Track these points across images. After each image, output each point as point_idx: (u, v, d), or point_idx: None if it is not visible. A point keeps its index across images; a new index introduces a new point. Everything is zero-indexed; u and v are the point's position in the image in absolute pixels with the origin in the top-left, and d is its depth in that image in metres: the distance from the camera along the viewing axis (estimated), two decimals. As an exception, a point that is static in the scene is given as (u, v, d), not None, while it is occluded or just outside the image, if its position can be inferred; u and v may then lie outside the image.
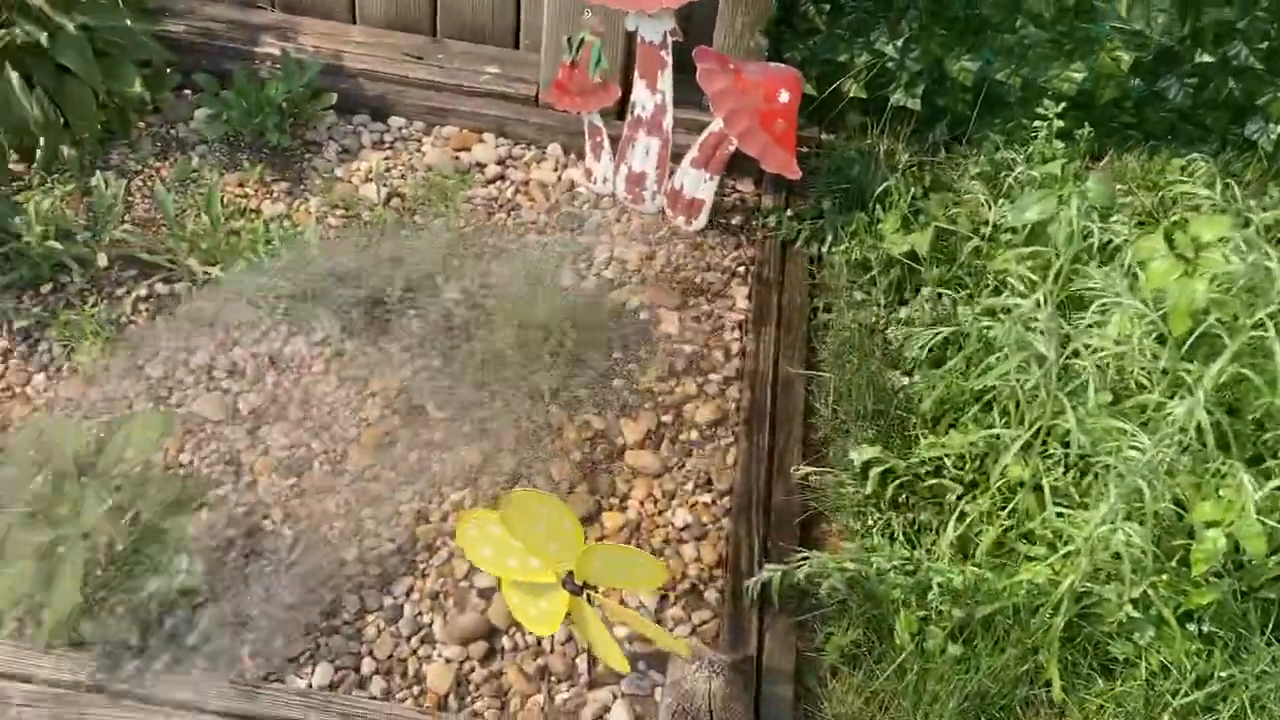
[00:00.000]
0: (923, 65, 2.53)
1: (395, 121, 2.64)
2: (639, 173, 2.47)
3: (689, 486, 2.07)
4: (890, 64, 2.54)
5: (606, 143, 2.48)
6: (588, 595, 1.64)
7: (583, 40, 2.36)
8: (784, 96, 2.29)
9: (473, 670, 1.80)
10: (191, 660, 1.73)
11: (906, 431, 2.09)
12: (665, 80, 2.34)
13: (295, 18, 2.75)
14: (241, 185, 2.44)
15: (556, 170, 2.60)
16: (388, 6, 2.74)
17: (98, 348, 2.09)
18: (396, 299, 2.22)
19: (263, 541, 1.89)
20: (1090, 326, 1.93)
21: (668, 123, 2.39)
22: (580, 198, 2.54)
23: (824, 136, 2.64)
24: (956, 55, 2.50)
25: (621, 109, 2.53)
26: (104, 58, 2.34)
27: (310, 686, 1.74)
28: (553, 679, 1.81)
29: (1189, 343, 1.83)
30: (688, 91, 2.39)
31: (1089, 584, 1.79)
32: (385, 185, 2.47)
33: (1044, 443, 1.92)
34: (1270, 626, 1.80)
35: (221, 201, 2.30)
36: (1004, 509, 1.94)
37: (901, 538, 1.95)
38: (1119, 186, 2.48)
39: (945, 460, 2.02)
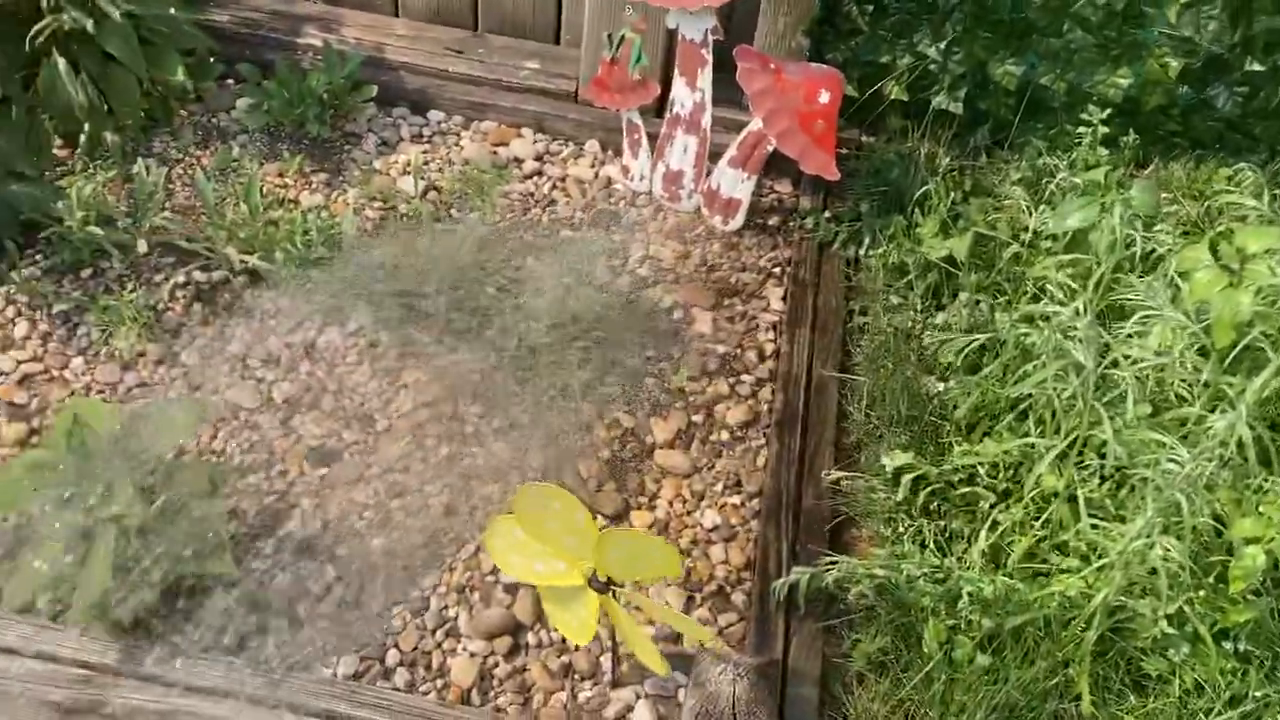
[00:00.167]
0: (966, 68, 2.50)
1: (434, 115, 2.64)
2: (676, 171, 2.46)
3: (718, 487, 2.06)
4: (933, 66, 2.51)
5: (644, 140, 2.48)
6: (613, 592, 1.63)
7: (623, 37, 2.35)
8: (824, 97, 2.28)
9: (497, 665, 1.80)
10: (219, 646, 1.73)
11: (940, 438, 2.07)
12: (705, 78, 2.33)
13: (338, 9, 2.76)
14: (281, 175, 2.45)
15: (594, 167, 2.59)
16: None
17: (135, 333, 2.11)
18: (431, 292, 2.23)
19: (292, 530, 1.90)
20: (1130, 337, 1.90)
21: (706, 121, 2.38)
22: (617, 195, 2.54)
23: (864, 138, 2.62)
24: (1000, 59, 2.47)
25: (660, 106, 2.52)
26: (149, 46, 2.36)
27: (335, 676, 1.75)
28: (576, 676, 1.80)
29: (1232, 356, 1.80)
30: (726, 90, 2.38)
31: (1123, 598, 1.76)
32: (423, 179, 2.47)
33: (1080, 453, 1.90)
34: (1308, 647, 1.77)
35: (260, 191, 2.31)
36: (1037, 519, 1.91)
37: (932, 545, 1.93)
38: (1164, 195, 2.44)
39: (979, 468, 1.99)
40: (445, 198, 2.45)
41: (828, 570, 1.83)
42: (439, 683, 1.77)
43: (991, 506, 1.96)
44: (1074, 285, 2.05)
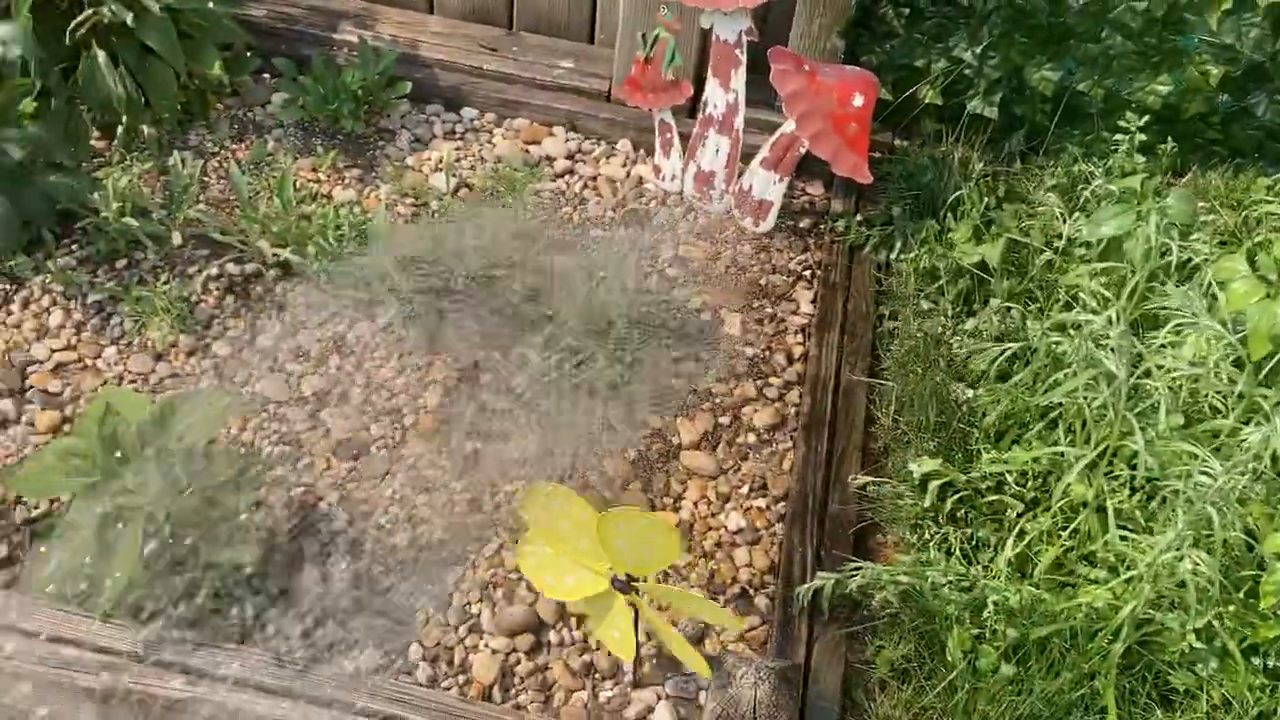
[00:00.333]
0: (1002, 73, 2.48)
1: (468, 112, 2.65)
2: (708, 171, 2.45)
3: (744, 490, 2.05)
4: (968, 71, 2.49)
5: (676, 140, 2.47)
6: (636, 589, 1.63)
7: (658, 37, 2.35)
8: (858, 100, 2.26)
9: (518, 663, 1.80)
10: (242, 636, 1.75)
11: (968, 445, 2.06)
12: (738, 79, 2.32)
13: (374, 6, 2.78)
14: (314, 170, 2.47)
15: (625, 166, 2.59)
16: (465, -3, 2.76)
17: (167, 324, 2.12)
18: (460, 289, 2.23)
19: (318, 522, 1.91)
20: (1164, 346, 1.88)
21: (739, 122, 2.37)
22: (648, 194, 2.53)
23: (897, 142, 2.60)
24: (1037, 64, 2.45)
25: (693, 107, 2.52)
26: (187, 39, 2.38)
27: (357, 669, 1.75)
28: (597, 676, 1.80)
29: (1268, 368, 1.78)
30: (759, 91, 2.37)
31: (1151, 611, 1.74)
32: (455, 176, 2.48)
33: (1110, 463, 1.88)
34: (1340, 665, 1.74)
35: (294, 185, 2.33)
36: (1065, 529, 1.89)
37: (958, 553, 1.92)
38: (1201, 204, 2.41)
39: (1007, 476, 1.98)
40: (477, 195, 2.46)
41: (852, 576, 1.82)
42: (461, 679, 1.77)
43: (1019, 515, 1.94)
44: (1107, 294, 2.03)
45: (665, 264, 2.39)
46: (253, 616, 1.77)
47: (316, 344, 2.16)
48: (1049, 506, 1.91)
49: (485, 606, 1.85)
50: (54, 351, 2.09)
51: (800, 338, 2.29)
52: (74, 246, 2.24)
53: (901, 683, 1.81)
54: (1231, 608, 1.73)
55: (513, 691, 1.77)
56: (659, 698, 1.78)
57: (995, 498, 1.96)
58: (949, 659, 1.79)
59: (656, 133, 2.49)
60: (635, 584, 1.62)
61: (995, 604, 1.78)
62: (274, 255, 2.23)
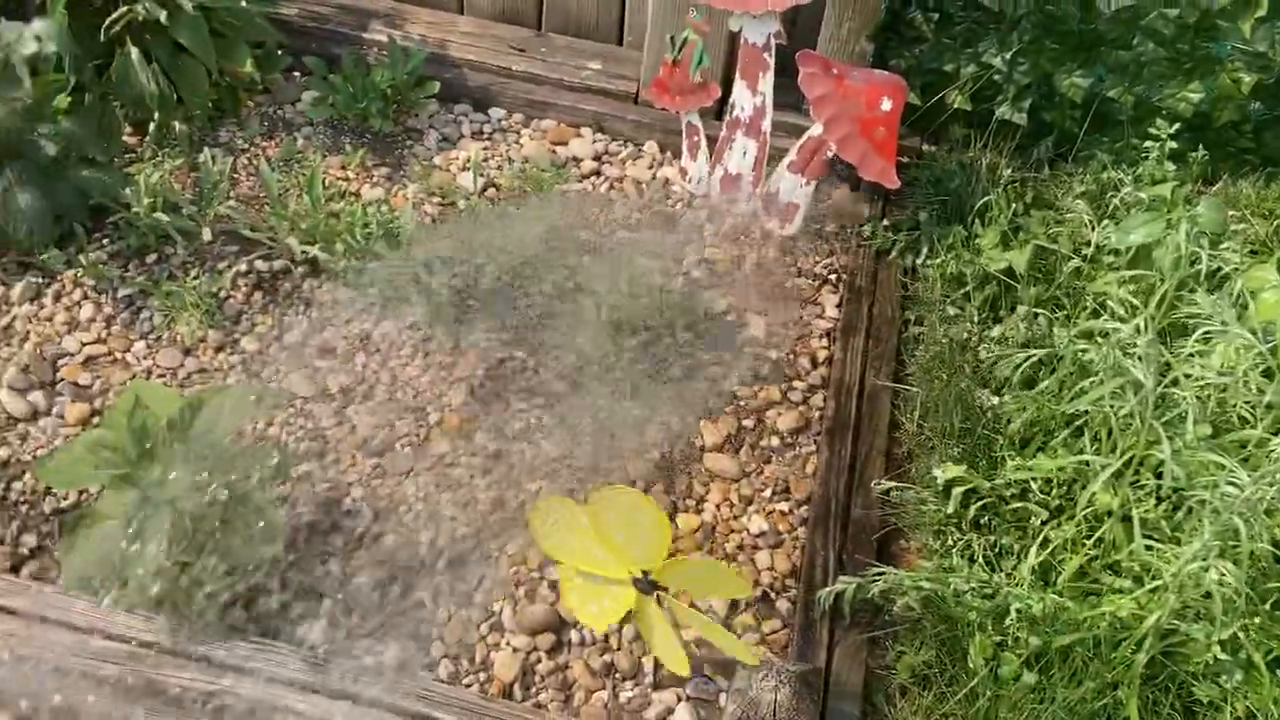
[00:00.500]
0: (1031, 79, 2.47)
1: (495, 113, 2.66)
2: (734, 174, 2.45)
3: (766, 493, 2.05)
4: (997, 76, 2.48)
5: (703, 143, 2.47)
6: (658, 596, 1.63)
7: (686, 39, 2.35)
8: (886, 104, 2.26)
9: (539, 661, 1.80)
10: (266, 630, 1.76)
11: (993, 452, 2.05)
12: (766, 82, 2.32)
13: (404, 5, 2.79)
14: (343, 168, 2.48)
15: (652, 168, 2.60)
16: (495, -2, 2.77)
17: (196, 319, 2.14)
18: (486, 288, 2.24)
19: (342, 518, 1.93)
20: (1192, 355, 1.87)
21: (766, 125, 2.37)
22: (674, 196, 2.54)
23: (925, 147, 2.60)
24: (1067, 70, 2.44)
25: (720, 109, 2.52)
26: (219, 37, 2.40)
27: (380, 665, 1.76)
28: (618, 676, 1.81)
29: (1298, 378, 1.76)
30: (786, 95, 2.37)
31: (1176, 621, 1.73)
32: (482, 175, 2.49)
33: (1136, 473, 1.87)
34: (1367, 680, 1.72)
35: (323, 183, 2.34)
36: (1089, 538, 1.88)
37: (981, 560, 1.91)
38: (1231, 213, 2.39)
39: (1031, 484, 1.97)
40: (504, 195, 2.47)
41: (874, 581, 1.82)
42: (482, 676, 1.78)
43: (1043, 523, 1.93)
44: (1135, 302, 2.02)
45: (690, 266, 2.39)
46: (277, 610, 1.78)
47: (343, 341, 2.17)
48: (1073, 515, 1.90)
49: (507, 604, 1.86)
50: (84, 345, 2.11)
51: (825, 341, 2.29)
52: (105, 241, 2.26)
53: (922, 689, 1.81)
54: (1257, 619, 1.71)
55: (533, 690, 1.78)
56: (679, 699, 1.78)
57: (1019, 505, 1.95)
58: (971, 666, 1.78)
59: (683, 135, 2.50)
60: (655, 582, 1.62)
61: (1018, 611, 1.77)
62: (302, 252, 2.24)
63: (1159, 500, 1.86)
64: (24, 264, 2.20)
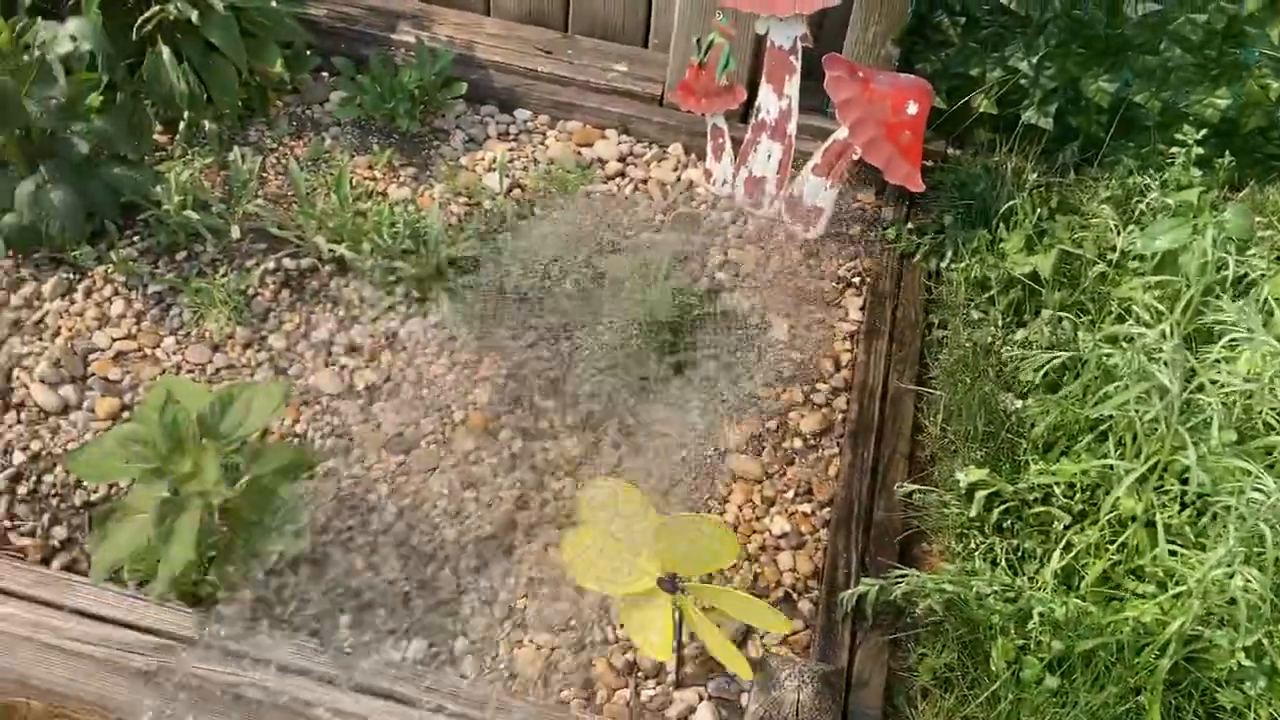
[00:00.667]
0: (1058, 83, 2.47)
1: (521, 114, 2.68)
2: (759, 177, 2.46)
3: (789, 495, 2.06)
4: (1023, 81, 2.48)
5: (728, 145, 2.48)
6: (682, 590, 1.64)
7: (712, 42, 2.36)
8: (912, 108, 2.26)
9: (562, 659, 1.81)
10: (292, 623, 1.78)
11: (1016, 456, 2.05)
12: (792, 85, 2.33)
13: (432, 7, 2.81)
14: (370, 168, 2.50)
15: (676, 170, 2.61)
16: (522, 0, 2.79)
17: (225, 316, 2.16)
18: (511, 288, 2.26)
19: (368, 514, 1.94)
20: (1218, 362, 1.86)
21: (792, 128, 2.38)
22: (698, 198, 2.55)
23: (950, 151, 2.60)
24: (1094, 75, 2.44)
25: (745, 112, 2.53)
26: (249, 37, 2.43)
27: (403, 659, 1.78)
28: (640, 675, 1.81)
29: (1324, 385, 1.76)
30: (811, 98, 2.38)
31: (1200, 627, 1.72)
32: (508, 176, 2.50)
33: (1160, 478, 1.86)
34: (1393, 688, 1.71)
35: (350, 183, 2.36)
36: (1113, 543, 1.88)
37: (1003, 564, 1.91)
38: (1258, 219, 2.39)
39: (1054, 488, 1.97)
40: (529, 196, 2.48)
41: (897, 583, 1.82)
42: (505, 672, 1.79)
43: (1066, 528, 1.93)
44: (1161, 307, 2.02)
45: (714, 268, 2.40)
46: (303, 605, 1.80)
47: (369, 339, 2.19)
48: (1097, 519, 1.90)
49: (531, 601, 1.87)
50: (115, 340, 2.14)
51: (848, 344, 2.30)
52: (135, 238, 2.29)
53: (944, 691, 1.81)
54: (1282, 626, 1.71)
55: (556, 687, 1.79)
56: (701, 698, 1.79)
57: (1042, 509, 1.95)
58: (993, 669, 1.78)
59: (709, 137, 2.50)
60: (681, 584, 1.63)
61: (1040, 615, 1.77)
62: (330, 251, 2.26)
63: (1183, 506, 1.85)
64: (56, 260, 2.23)
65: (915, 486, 2.03)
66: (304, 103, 2.62)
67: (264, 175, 2.44)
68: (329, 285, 2.27)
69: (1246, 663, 1.70)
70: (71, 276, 2.21)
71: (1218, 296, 1.97)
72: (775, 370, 2.23)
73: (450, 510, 1.97)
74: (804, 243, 2.47)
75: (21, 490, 1.93)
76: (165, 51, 2.35)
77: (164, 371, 2.10)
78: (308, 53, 2.64)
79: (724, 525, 1.73)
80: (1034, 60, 2.46)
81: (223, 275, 2.22)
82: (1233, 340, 1.86)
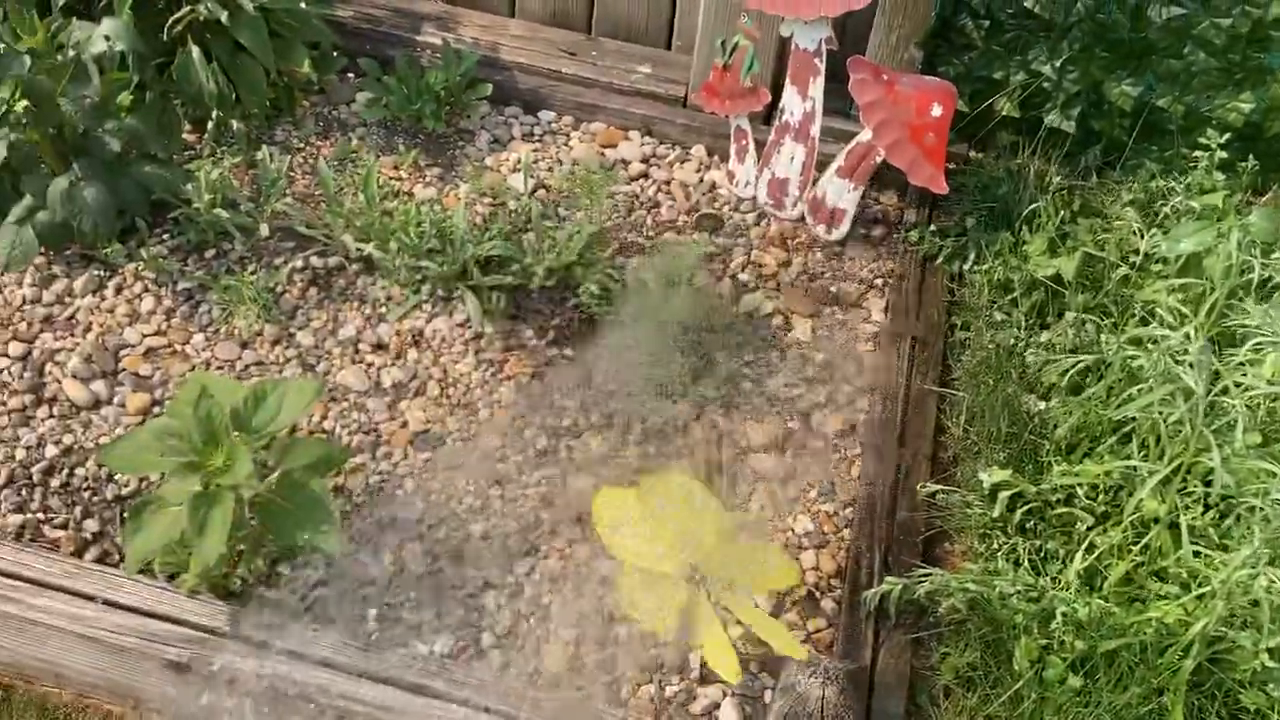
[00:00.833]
0: (1081, 87, 2.47)
1: (545, 115, 2.69)
2: (782, 178, 2.47)
3: (812, 494, 2.07)
4: (1047, 84, 2.49)
5: (751, 147, 2.50)
6: (707, 591, 1.66)
7: (737, 44, 2.37)
8: (936, 110, 2.27)
9: (588, 654, 1.83)
10: (322, 616, 1.80)
11: (1039, 457, 2.06)
12: (817, 88, 2.34)
13: (457, 9, 2.83)
14: (396, 168, 2.52)
15: (699, 171, 2.62)
16: (546, 1, 2.80)
17: (254, 313, 2.18)
18: (535, 288, 2.27)
19: (395, 510, 1.96)
20: (1242, 364, 1.87)
21: (815, 130, 2.39)
22: (720, 200, 2.56)
23: (972, 154, 2.60)
24: (1117, 79, 2.44)
25: (768, 114, 2.54)
26: (278, 38, 2.45)
27: (431, 653, 1.79)
28: (664, 670, 1.83)
29: (1349, 388, 1.76)
30: (834, 100, 2.39)
31: (1223, 628, 1.73)
32: (532, 176, 2.52)
33: (1184, 480, 1.87)
34: None
35: (377, 182, 2.38)
36: (1136, 544, 1.89)
37: (1026, 564, 1.92)
38: (1282, 223, 2.39)
39: (1077, 489, 1.97)
40: (553, 196, 2.50)
41: (920, 582, 1.83)
42: (531, 666, 1.81)
43: (1089, 529, 1.94)
44: (1185, 310, 2.02)
45: (737, 268, 2.41)
46: (332, 598, 1.82)
47: (396, 337, 2.21)
48: (1120, 521, 1.91)
49: (556, 597, 1.88)
50: (145, 336, 2.16)
51: (871, 345, 2.31)
52: (165, 236, 2.31)
53: (967, 690, 1.82)
54: (1306, 628, 1.72)
55: (581, 681, 1.80)
56: (725, 695, 1.80)
57: (1065, 510, 1.96)
58: (1016, 668, 1.79)
59: (732, 139, 2.52)
60: (707, 586, 1.65)
61: (1064, 615, 1.78)
62: (357, 249, 2.28)
63: (1207, 508, 1.86)
64: (86, 257, 2.25)
65: (938, 487, 2.04)
66: (330, 103, 2.64)
67: (291, 174, 2.46)
68: (356, 283, 2.29)
69: (1270, 664, 1.70)
70: (102, 273, 2.24)
71: (1242, 300, 1.97)
72: (798, 370, 2.24)
73: (476, 506, 1.99)
74: (826, 244, 2.48)
75: (54, 483, 1.95)
76: (195, 51, 2.37)
77: (193, 368, 2.12)
78: (334, 54, 2.66)
79: (785, 555, 1.74)
80: (1057, 64, 2.46)
81: (251, 273, 2.25)
82: (1257, 343, 1.86)
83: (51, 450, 1.98)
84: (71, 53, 2.13)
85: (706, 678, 1.82)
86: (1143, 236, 2.25)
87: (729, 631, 1.73)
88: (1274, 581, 1.65)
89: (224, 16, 2.33)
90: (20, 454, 1.98)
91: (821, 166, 2.43)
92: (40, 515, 1.91)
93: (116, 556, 1.88)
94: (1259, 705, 1.75)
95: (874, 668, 1.82)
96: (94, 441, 2.00)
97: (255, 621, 1.77)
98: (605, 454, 2.07)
